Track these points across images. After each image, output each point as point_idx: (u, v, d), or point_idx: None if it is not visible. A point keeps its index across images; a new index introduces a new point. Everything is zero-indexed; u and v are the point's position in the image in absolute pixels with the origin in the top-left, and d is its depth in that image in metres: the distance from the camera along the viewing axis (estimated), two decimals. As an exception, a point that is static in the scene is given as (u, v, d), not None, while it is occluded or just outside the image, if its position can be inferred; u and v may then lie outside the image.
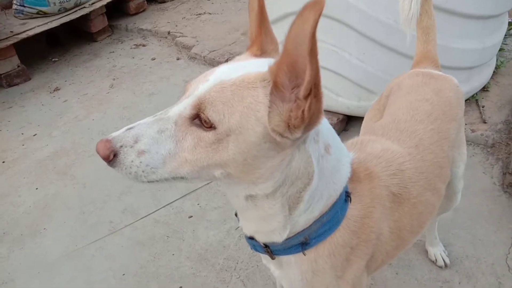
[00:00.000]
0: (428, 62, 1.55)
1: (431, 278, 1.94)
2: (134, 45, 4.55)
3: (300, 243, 1.00)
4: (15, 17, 4.23)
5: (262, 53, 0.99)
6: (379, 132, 1.30)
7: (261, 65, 0.86)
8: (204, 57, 3.97)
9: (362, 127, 1.60)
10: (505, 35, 2.95)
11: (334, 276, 1.04)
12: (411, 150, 1.22)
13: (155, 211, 2.51)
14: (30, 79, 4.14)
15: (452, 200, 1.68)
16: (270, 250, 1.05)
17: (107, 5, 4.50)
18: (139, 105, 3.54)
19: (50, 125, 3.45)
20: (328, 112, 2.78)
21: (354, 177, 1.05)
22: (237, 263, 2.13)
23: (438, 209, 1.36)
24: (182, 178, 0.87)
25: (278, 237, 0.99)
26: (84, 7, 4.36)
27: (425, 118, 1.30)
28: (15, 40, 3.86)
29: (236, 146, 0.83)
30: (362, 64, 2.49)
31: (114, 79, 3.99)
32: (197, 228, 2.36)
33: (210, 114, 0.82)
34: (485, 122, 2.67)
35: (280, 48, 0.77)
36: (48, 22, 4.13)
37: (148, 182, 0.87)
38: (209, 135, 0.83)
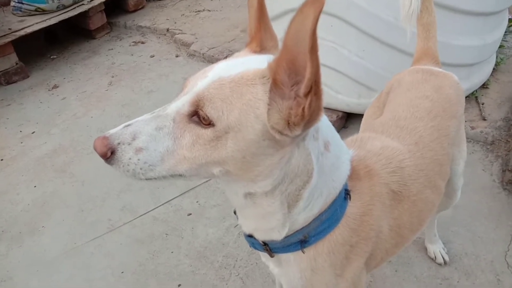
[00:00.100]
0: (429, 59, 1.54)
1: (430, 275, 1.94)
2: (133, 42, 4.54)
3: (299, 241, 1.00)
4: (13, 14, 4.20)
5: (261, 49, 0.98)
6: (379, 129, 1.29)
7: (260, 62, 0.85)
8: (203, 54, 3.96)
9: (361, 124, 1.59)
10: (505, 32, 2.95)
11: (333, 274, 1.03)
12: (411, 148, 1.21)
13: (154, 208, 2.50)
14: (28, 76, 4.12)
15: (451, 198, 1.68)
16: (269, 248, 1.04)
17: (105, 2, 4.48)
18: (138, 103, 3.53)
19: (49, 123, 3.44)
20: (327, 109, 2.77)
21: (353, 174, 1.04)
22: (236, 261, 2.12)
23: (437, 206, 1.35)
24: (180, 175, 0.87)
25: (277, 235, 0.99)
26: (83, 4, 4.34)
27: (425, 115, 1.29)
28: (13, 38, 3.84)
29: (235, 144, 0.82)
30: (362, 61, 2.48)
31: (113, 77, 3.97)
32: (196, 225, 2.36)
33: (209, 111, 0.81)
34: (485, 119, 2.66)
35: (280, 44, 0.77)
36: (47, 19, 4.11)
37: (146, 179, 0.86)
38: (207, 132, 0.82)
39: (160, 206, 2.52)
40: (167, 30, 4.51)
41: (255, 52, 0.97)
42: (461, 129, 1.50)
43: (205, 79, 0.85)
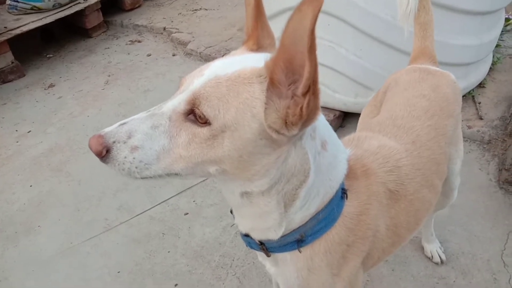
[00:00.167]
0: (426, 58, 1.54)
1: (427, 274, 1.94)
2: (130, 41, 4.52)
3: (296, 240, 0.99)
4: (9, 12, 4.18)
5: (258, 47, 0.97)
6: (376, 128, 1.29)
7: (257, 60, 0.84)
8: (200, 53, 3.95)
9: (359, 123, 1.59)
10: (502, 31, 2.95)
11: (330, 273, 1.03)
12: (408, 147, 1.21)
13: (151, 208, 2.49)
14: (24, 75, 4.10)
15: (448, 197, 1.68)
16: (265, 247, 1.04)
17: (102, 1, 4.46)
18: (134, 102, 3.51)
19: (45, 122, 3.42)
20: (324, 108, 2.77)
21: (350, 173, 1.04)
22: (233, 260, 2.12)
23: (434, 205, 1.35)
24: (176, 174, 0.86)
25: (273, 234, 0.98)
26: (79, 2, 4.32)
27: (422, 114, 1.29)
28: (9, 36, 3.82)
29: (232, 143, 0.82)
30: (359, 60, 2.48)
31: (109, 75, 3.96)
32: (193, 225, 2.35)
33: (205, 109, 0.80)
34: (482, 119, 2.67)
35: (277, 43, 0.76)
36: (43, 18, 4.09)
37: (142, 178, 0.86)
38: (203, 131, 0.82)
39: (156, 205, 2.51)
40: (164, 29, 4.49)
41: (252, 50, 0.97)
42: (458, 128, 1.50)
43: (201, 78, 0.84)
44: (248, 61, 0.86)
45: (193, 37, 4.21)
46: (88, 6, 4.34)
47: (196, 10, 4.80)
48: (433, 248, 1.98)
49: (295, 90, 0.77)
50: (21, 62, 4.09)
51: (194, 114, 0.82)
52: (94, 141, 0.83)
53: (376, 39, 2.36)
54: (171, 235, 2.31)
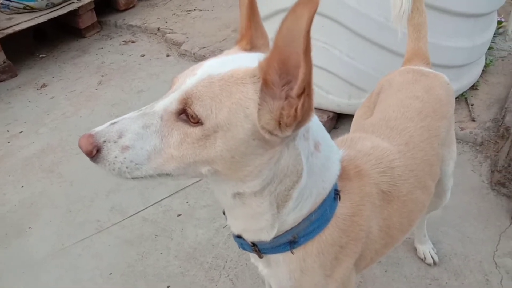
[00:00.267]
0: (419, 59, 1.54)
1: (420, 275, 1.95)
2: (123, 41, 4.50)
3: (289, 241, 0.99)
4: (1, 12, 4.13)
5: (251, 47, 0.97)
6: (369, 129, 1.29)
7: (250, 60, 0.84)
8: (194, 54, 3.94)
9: (352, 125, 1.59)
10: (494, 34, 2.97)
11: (322, 275, 1.03)
12: (401, 148, 1.21)
13: (143, 209, 2.48)
14: (16, 75, 4.06)
15: (441, 198, 1.68)
16: (258, 249, 1.03)
17: (96, 1, 4.43)
18: (128, 102, 3.49)
19: (37, 122, 3.39)
20: (318, 109, 2.77)
21: (343, 174, 1.04)
22: (226, 262, 2.11)
23: (427, 207, 1.35)
24: (167, 175, 0.85)
25: (266, 235, 0.98)
26: (72, 2, 4.28)
27: (415, 115, 1.29)
28: (1, 36, 3.78)
29: (224, 143, 0.81)
30: (352, 61, 2.49)
31: (102, 76, 3.93)
32: (186, 226, 2.34)
33: (197, 109, 0.79)
34: (474, 120, 2.68)
35: (271, 44, 0.76)
36: (35, 17, 4.05)
37: (132, 178, 0.85)
38: (196, 130, 0.81)
39: (149, 206, 2.49)
40: (158, 29, 4.48)
41: (245, 50, 0.96)
42: (451, 129, 1.50)
43: (193, 77, 0.83)
44: (241, 61, 0.86)
45: (187, 37, 4.20)
46: (82, 6, 4.31)
47: (190, 10, 4.79)
48: (426, 249, 1.99)
49: (288, 91, 0.77)
50: (14, 62, 4.05)
51: (186, 114, 0.81)
52: (84, 140, 0.82)
53: (369, 41, 2.37)
54: (163, 237, 2.29)
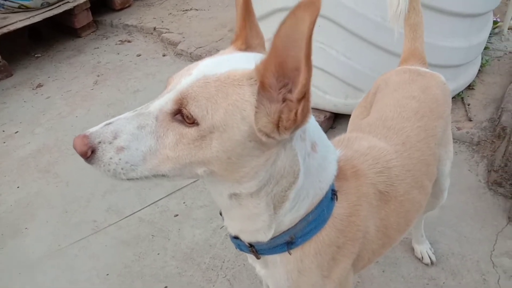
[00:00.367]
0: (416, 59, 1.54)
1: (417, 275, 1.95)
2: (119, 41, 4.48)
3: (286, 242, 0.98)
4: (-4, 11, 4.12)
5: (246, 47, 0.96)
6: (366, 129, 1.29)
7: (246, 60, 0.83)
8: (190, 53, 3.93)
9: (349, 125, 1.59)
10: (490, 34, 2.98)
11: (320, 275, 1.02)
12: (398, 148, 1.20)
13: (140, 209, 2.47)
14: (12, 75, 4.05)
15: (438, 198, 1.68)
16: (255, 249, 1.03)
17: (91, 0, 4.42)
18: (124, 102, 3.48)
19: (33, 122, 3.37)
20: (315, 109, 2.77)
21: (340, 175, 1.03)
22: (223, 262, 2.10)
23: (424, 207, 1.35)
24: (163, 176, 0.84)
25: (263, 236, 0.97)
26: (68, 1, 4.27)
27: (412, 115, 1.29)
28: (-4, 35, 3.77)
29: (220, 144, 0.80)
30: (349, 61, 2.48)
31: (98, 76, 3.92)
32: (183, 227, 2.33)
33: (193, 109, 0.79)
34: (471, 120, 2.69)
35: (266, 44, 0.75)
36: (31, 16, 4.04)
37: (128, 179, 0.84)
38: (191, 131, 0.80)
39: (146, 207, 2.48)
40: (154, 29, 4.47)
41: (241, 49, 0.95)
42: (447, 129, 1.50)
43: (189, 77, 0.83)
44: (237, 61, 0.85)
45: (184, 37, 4.19)
46: (77, 6, 4.29)
47: (186, 10, 4.78)
48: (423, 249, 1.99)
49: (286, 94, 0.77)
50: (9, 62, 4.03)
51: (181, 114, 0.80)
52: (79, 141, 0.81)
53: (366, 40, 2.37)
54: (160, 237, 2.28)
